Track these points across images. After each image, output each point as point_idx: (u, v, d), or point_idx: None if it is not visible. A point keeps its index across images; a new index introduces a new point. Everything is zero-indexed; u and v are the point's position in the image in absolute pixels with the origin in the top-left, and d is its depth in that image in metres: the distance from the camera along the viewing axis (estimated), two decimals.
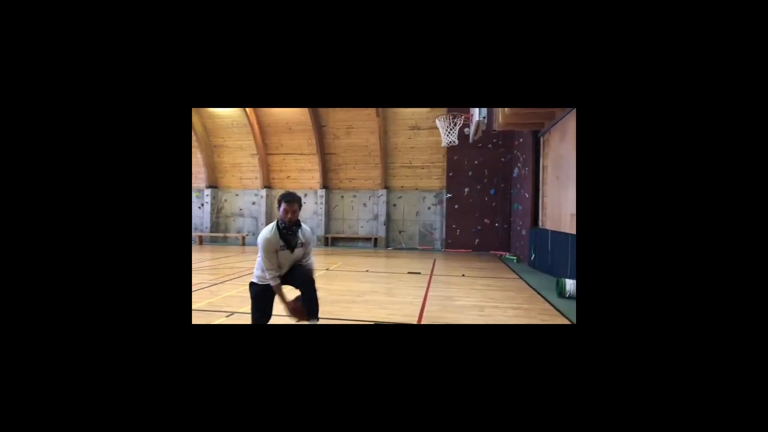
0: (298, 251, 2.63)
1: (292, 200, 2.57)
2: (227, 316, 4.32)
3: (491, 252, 11.93)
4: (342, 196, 13.64)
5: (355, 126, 12.92)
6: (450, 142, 9.57)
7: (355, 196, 13.61)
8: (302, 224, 2.68)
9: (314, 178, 13.52)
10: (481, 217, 12.30)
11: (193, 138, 13.79)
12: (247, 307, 4.89)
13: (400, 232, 13.29)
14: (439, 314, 4.49)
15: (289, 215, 2.54)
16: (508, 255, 10.76)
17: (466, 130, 9.89)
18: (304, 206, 2.79)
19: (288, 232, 2.59)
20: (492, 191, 12.17)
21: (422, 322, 4.13)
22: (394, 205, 13.31)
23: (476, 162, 12.24)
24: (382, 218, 13.21)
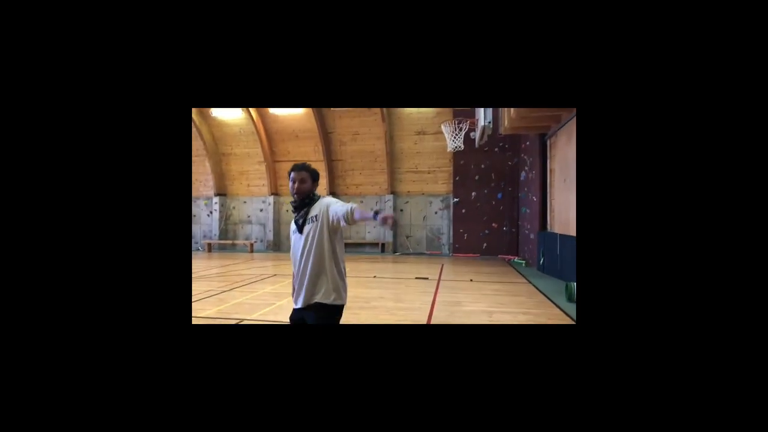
0: (308, 231, 1.89)
1: (297, 167, 1.96)
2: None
3: (499, 256, 11.84)
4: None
5: (361, 132, 12.99)
6: (456, 147, 9.56)
7: (362, 202, 13.64)
8: (320, 198, 1.99)
9: (321, 184, 13.56)
10: (489, 221, 12.24)
11: (202, 146, 13.99)
12: (257, 313, 4.97)
13: (407, 237, 13.27)
14: (447, 320, 4.46)
15: (296, 185, 1.92)
16: (516, 259, 10.66)
17: (471, 134, 9.87)
18: None
19: (298, 211, 1.95)
20: (499, 195, 12.11)
21: None
22: (401, 210, 13.32)
23: (483, 166, 12.21)
24: None
